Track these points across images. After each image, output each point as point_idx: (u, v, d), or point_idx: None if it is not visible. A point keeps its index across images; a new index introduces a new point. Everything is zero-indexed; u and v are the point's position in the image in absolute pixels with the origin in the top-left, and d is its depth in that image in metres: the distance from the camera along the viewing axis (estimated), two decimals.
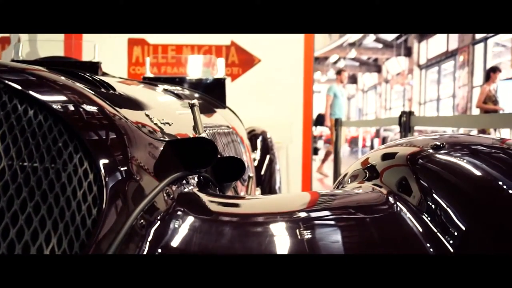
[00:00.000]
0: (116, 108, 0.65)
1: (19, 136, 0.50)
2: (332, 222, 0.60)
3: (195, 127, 0.86)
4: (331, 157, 5.73)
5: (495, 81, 6.51)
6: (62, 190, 0.48)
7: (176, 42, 3.78)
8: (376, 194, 0.64)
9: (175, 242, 0.53)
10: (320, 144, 12.37)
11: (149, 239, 0.51)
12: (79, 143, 0.52)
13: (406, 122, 2.44)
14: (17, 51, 1.76)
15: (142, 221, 0.51)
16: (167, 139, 0.71)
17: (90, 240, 0.46)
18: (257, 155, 2.19)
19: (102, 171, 0.50)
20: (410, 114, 2.46)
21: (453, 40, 12.72)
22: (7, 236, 0.44)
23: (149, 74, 2.10)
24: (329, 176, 6.84)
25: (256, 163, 2.12)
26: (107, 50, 2.23)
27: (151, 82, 1.56)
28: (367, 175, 0.73)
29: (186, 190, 0.66)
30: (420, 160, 0.63)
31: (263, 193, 1.99)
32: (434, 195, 0.56)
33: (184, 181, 0.67)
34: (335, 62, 19.03)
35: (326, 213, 0.63)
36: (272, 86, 3.77)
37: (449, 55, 13.19)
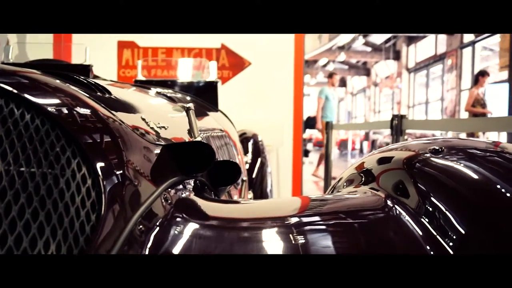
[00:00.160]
0: (113, 112, 0.64)
1: (16, 141, 0.49)
2: (333, 227, 0.60)
3: (191, 131, 0.86)
4: None
5: (483, 85, 6.59)
6: (60, 195, 0.47)
7: (166, 45, 3.75)
8: (375, 198, 0.64)
9: (174, 249, 0.53)
10: (309, 147, 12.43)
11: (149, 245, 0.51)
12: (77, 147, 0.51)
13: (398, 126, 2.45)
14: (7, 54, 1.74)
15: (141, 226, 0.50)
16: (163, 143, 0.70)
17: (89, 246, 0.45)
18: (248, 158, 2.18)
19: (101, 176, 0.50)
20: (402, 117, 2.47)
21: (441, 44, 12.86)
22: (5, 243, 0.43)
23: (140, 77, 2.08)
24: None
25: (247, 166, 2.11)
26: (96, 53, 2.21)
27: (143, 85, 1.55)
28: (363, 179, 0.73)
29: (183, 195, 0.65)
30: (417, 164, 0.64)
31: (255, 196, 1.98)
32: (432, 198, 0.57)
33: (181, 186, 0.67)
34: (325, 65, 19.13)
35: (326, 217, 0.62)
36: (263, 89, 3.77)
37: (438, 58, 13.33)
